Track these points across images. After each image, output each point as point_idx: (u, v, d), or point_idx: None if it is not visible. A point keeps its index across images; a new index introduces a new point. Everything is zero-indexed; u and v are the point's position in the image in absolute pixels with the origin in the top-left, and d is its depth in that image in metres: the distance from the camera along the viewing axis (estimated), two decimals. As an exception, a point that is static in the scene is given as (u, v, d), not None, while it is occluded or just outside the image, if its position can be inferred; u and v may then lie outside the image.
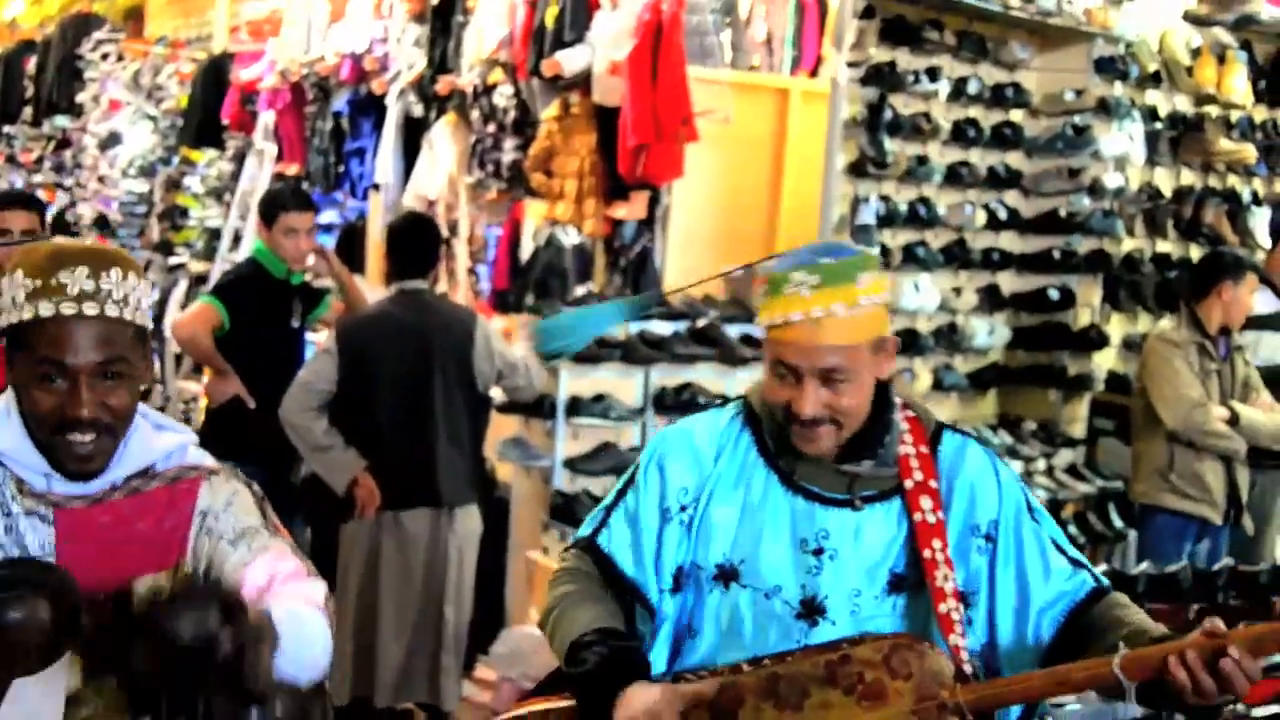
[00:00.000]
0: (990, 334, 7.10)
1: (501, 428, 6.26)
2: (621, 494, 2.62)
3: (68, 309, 2.17)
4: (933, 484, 2.49)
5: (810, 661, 2.38)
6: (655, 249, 7.12)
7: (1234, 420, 5.92)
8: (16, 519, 2.26)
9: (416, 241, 5.66)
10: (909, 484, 2.49)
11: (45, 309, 2.18)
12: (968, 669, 2.40)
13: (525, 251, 9.80)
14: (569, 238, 9.17)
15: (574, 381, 6.12)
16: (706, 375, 6.32)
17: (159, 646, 1.96)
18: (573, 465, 6.11)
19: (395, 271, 5.66)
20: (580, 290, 7.28)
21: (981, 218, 7.05)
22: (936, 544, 2.45)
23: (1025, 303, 7.35)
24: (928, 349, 6.83)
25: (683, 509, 2.55)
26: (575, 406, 6.11)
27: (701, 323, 6.40)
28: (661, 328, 6.39)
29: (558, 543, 5.98)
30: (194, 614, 1.96)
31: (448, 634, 5.65)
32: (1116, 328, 7.62)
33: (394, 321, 5.55)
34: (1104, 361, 7.55)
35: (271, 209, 5.95)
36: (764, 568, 2.49)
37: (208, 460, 2.42)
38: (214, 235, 12.15)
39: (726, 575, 2.52)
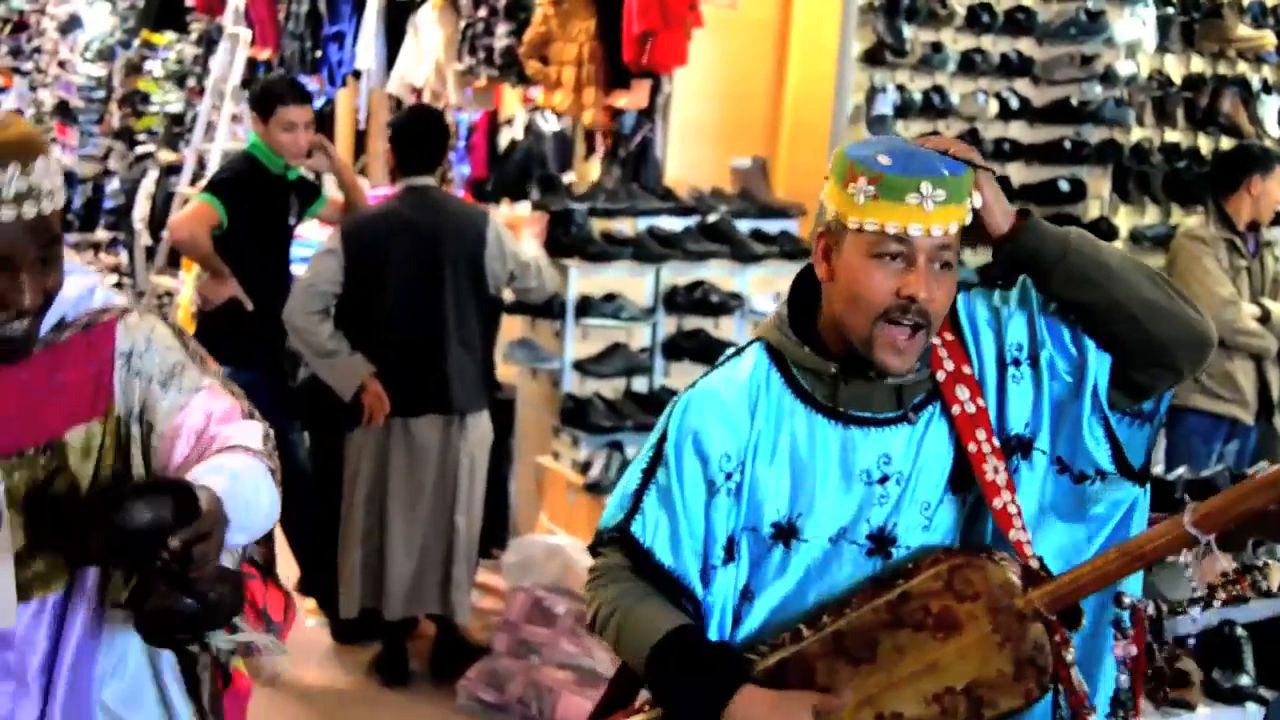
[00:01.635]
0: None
1: (507, 329, 6.04)
2: (649, 474, 2.37)
3: (7, 213, 2.08)
4: (965, 369, 2.31)
5: (870, 608, 2.22)
6: (656, 139, 6.88)
7: (1265, 317, 5.80)
8: None
9: (423, 135, 5.40)
10: (941, 375, 2.31)
11: None
12: (1034, 563, 2.23)
13: (503, 139, 9.59)
14: (549, 124, 8.93)
15: (583, 280, 5.90)
16: (718, 273, 6.11)
17: (109, 535, 1.94)
18: (582, 367, 5.91)
19: (401, 167, 5.42)
20: (566, 178, 7.05)
21: (994, 107, 6.83)
22: (980, 434, 2.28)
23: (1035, 194, 7.15)
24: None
25: (728, 477, 2.32)
26: (585, 306, 5.89)
27: (712, 218, 6.18)
28: (671, 223, 6.17)
29: (569, 448, 5.81)
30: (146, 507, 1.92)
31: (459, 544, 5.49)
32: (1124, 220, 7.45)
33: (402, 220, 5.31)
34: (1113, 254, 7.37)
35: (267, 102, 5.68)
36: (825, 514, 2.30)
37: (117, 299, 2.34)
38: (175, 120, 11.80)
39: (785, 533, 2.32)
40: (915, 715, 2.19)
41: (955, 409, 2.29)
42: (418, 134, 5.40)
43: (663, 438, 2.37)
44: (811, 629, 2.26)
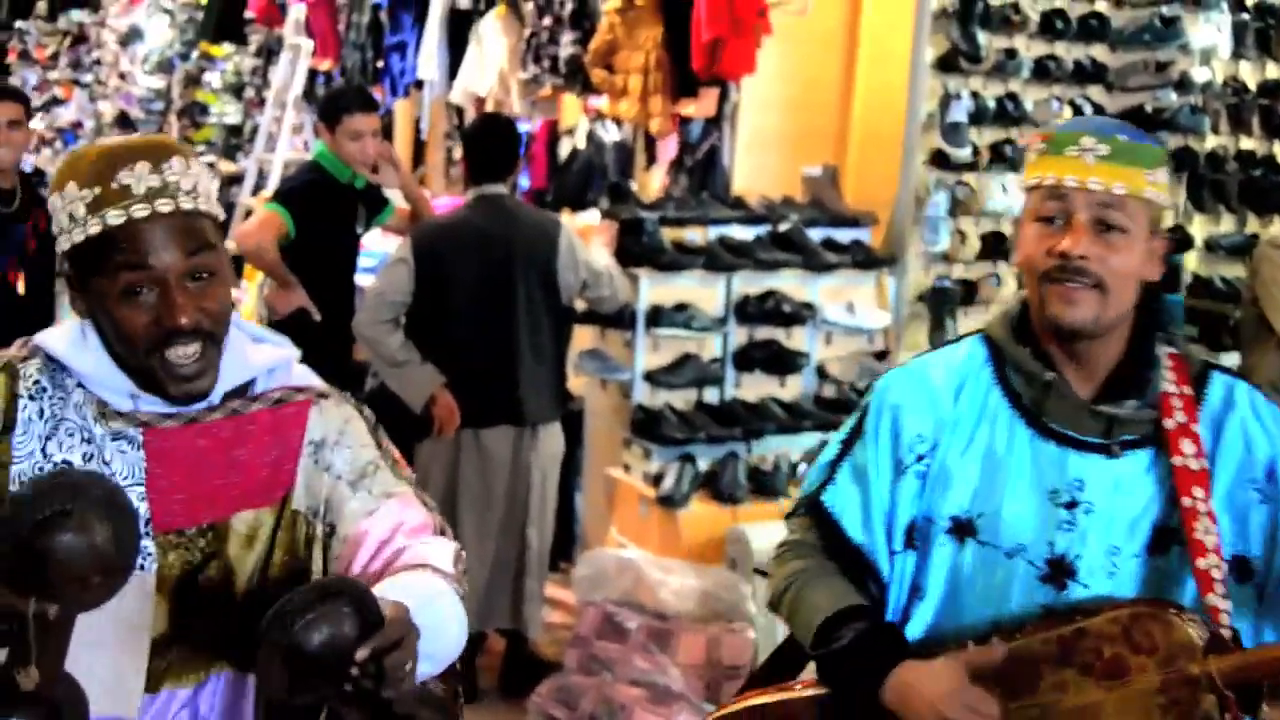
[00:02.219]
0: (1074, 236, 6.79)
1: (576, 340, 5.97)
2: (848, 446, 2.34)
3: (140, 211, 1.89)
4: (1195, 428, 2.19)
5: (1042, 639, 2.12)
6: (724, 148, 6.80)
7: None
8: (102, 444, 1.98)
9: (496, 143, 5.34)
10: (1170, 424, 2.19)
11: (114, 217, 1.90)
12: (1226, 634, 2.10)
13: (563, 149, 9.54)
14: (609, 134, 8.87)
15: (654, 290, 5.82)
16: (789, 282, 6.02)
17: (282, 657, 1.62)
18: (653, 378, 5.83)
19: (474, 176, 5.34)
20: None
21: (1068, 114, 6.71)
22: (1198, 492, 2.16)
23: (1109, 204, 7.03)
24: (1012, 250, 6.53)
25: (919, 459, 2.27)
26: (655, 316, 5.81)
27: (783, 227, 6.08)
28: (742, 233, 6.07)
29: (640, 460, 5.73)
30: (322, 620, 1.62)
31: (531, 557, 5.42)
32: (1199, 229, 7.32)
33: (473, 229, 5.24)
34: (1188, 264, 7.26)
35: (334, 111, 5.63)
36: (1006, 523, 2.22)
37: (315, 380, 2.13)
38: (232, 132, 11.82)
39: (962, 529, 2.25)
40: None
41: (1177, 460, 2.18)
42: (491, 142, 5.34)
43: (864, 411, 2.35)
44: (979, 643, 2.19)
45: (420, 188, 6.54)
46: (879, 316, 6.18)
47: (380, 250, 6.63)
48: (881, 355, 6.18)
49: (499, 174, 5.31)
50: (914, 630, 2.29)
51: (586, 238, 5.70)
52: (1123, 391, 2.22)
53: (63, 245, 1.95)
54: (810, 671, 2.35)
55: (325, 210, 5.65)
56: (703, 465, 5.65)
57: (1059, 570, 2.21)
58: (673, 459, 5.60)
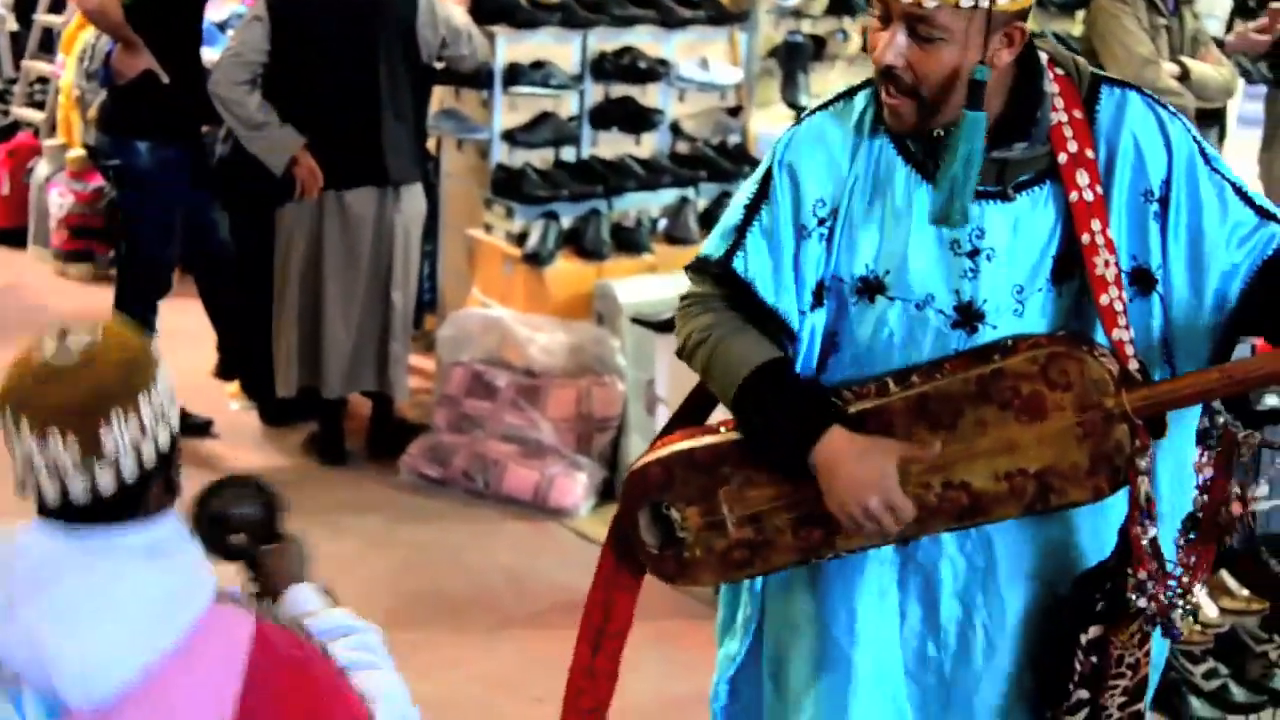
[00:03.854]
0: (916, -8, 6.84)
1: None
2: (754, 210, 2.31)
3: (130, 471, 1.89)
4: (1089, 153, 2.21)
5: (961, 378, 2.19)
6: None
7: (1184, 75, 5.82)
8: None
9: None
10: (1062, 158, 2.21)
11: (105, 481, 1.88)
12: (1133, 365, 2.19)
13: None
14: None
15: (511, 48, 5.74)
16: (644, 38, 5.99)
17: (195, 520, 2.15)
18: (511, 137, 5.79)
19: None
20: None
21: None
22: (1095, 225, 2.20)
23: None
24: (859, 8, 6.56)
25: (820, 222, 2.27)
26: (512, 75, 5.74)
27: (636, -18, 6.04)
28: (595, -12, 6.01)
29: (503, 219, 5.71)
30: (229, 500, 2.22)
31: (396, 319, 5.40)
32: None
33: (330, -16, 5.10)
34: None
35: None
36: (913, 276, 2.25)
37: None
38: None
39: (871, 288, 2.27)
40: (983, 488, 2.19)
41: (1073, 195, 2.21)
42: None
43: (768, 174, 2.32)
44: (899, 385, 2.23)
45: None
46: (732, 73, 6.20)
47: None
48: (734, 111, 6.21)
49: (355, -75, 5.15)
50: (830, 377, 2.33)
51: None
52: (1010, 135, 2.23)
53: None
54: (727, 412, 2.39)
55: (168, -31, 5.43)
56: (566, 223, 5.66)
57: (968, 315, 2.25)
58: (536, 217, 5.60)
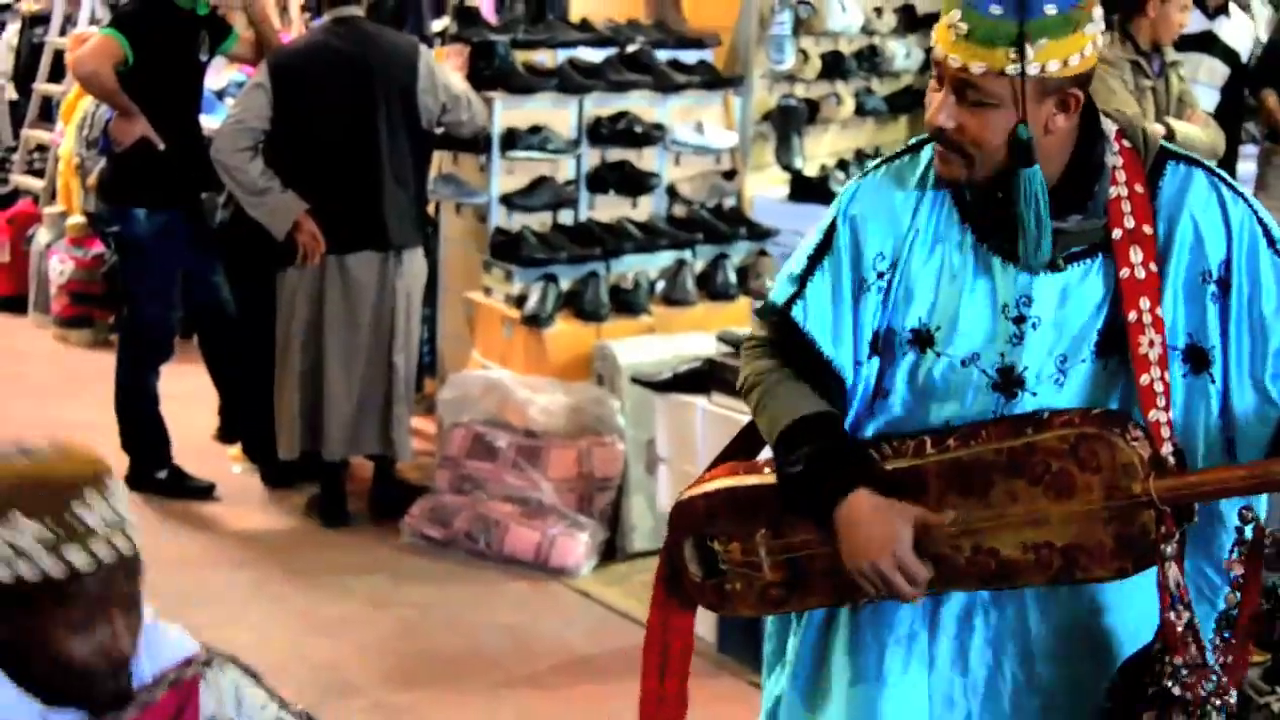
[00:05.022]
0: (907, 56, 6.96)
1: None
2: (816, 260, 2.37)
3: (104, 553, 1.86)
4: (1147, 229, 2.23)
5: (994, 448, 2.21)
6: (561, -27, 6.77)
7: (1170, 136, 5.90)
8: None
9: (348, -38, 5.26)
10: (1117, 234, 2.23)
11: (79, 559, 1.85)
12: (1167, 448, 2.20)
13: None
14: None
15: (508, 113, 5.82)
16: (640, 103, 6.07)
17: None
18: (509, 201, 5.85)
19: (329, -2, 5.27)
20: (435, 25, 6.92)
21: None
22: (1145, 303, 2.20)
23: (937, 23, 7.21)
24: (851, 73, 6.68)
25: (879, 275, 2.33)
26: (510, 139, 5.81)
27: (631, 49, 6.12)
28: (591, 55, 6.09)
29: (502, 282, 5.77)
30: None
31: (398, 382, 5.45)
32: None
33: (331, 52, 5.19)
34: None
35: (170, -68, 5.48)
36: (961, 335, 2.29)
37: (187, 643, 2.11)
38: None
39: (922, 340, 2.32)
40: (1010, 557, 2.22)
41: (1124, 272, 2.22)
42: (343, -39, 5.27)
43: (832, 225, 2.37)
44: (936, 448, 2.26)
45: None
46: (727, 136, 6.28)
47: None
48: (730, 174, 6.28)
49: (353, -7, 5.24)
50: (875, 425, 2.38)
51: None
52: (1068, 206, 2.25)
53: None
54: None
55: (164, 36, 5.52)
56: (564, 285, 5.71)
57: (1009, 380, 2.28)
58: (535, 279, 5.65)
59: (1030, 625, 2.35)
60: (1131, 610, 2.32)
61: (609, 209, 6.07)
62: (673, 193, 6.19)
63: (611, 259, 5.86)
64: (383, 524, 5.54)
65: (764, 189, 6.42)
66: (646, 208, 6.15)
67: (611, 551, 5.26)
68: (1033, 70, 2.13)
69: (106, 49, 5.46)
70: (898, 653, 2.38)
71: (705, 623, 4.54)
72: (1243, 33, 6.49)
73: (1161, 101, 5.97)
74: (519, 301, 5.67)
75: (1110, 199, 2.24)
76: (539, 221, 5.91)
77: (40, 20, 9.34)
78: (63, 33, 8.76)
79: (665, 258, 6.00)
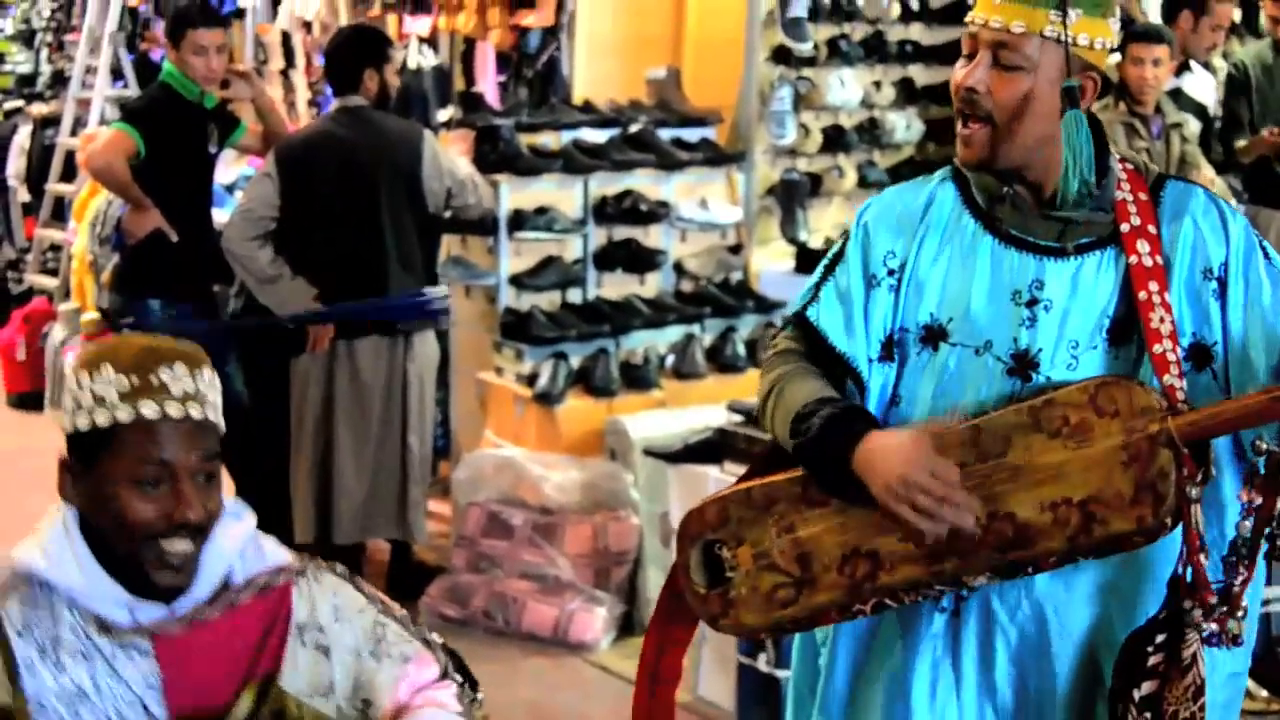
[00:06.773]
0: (907, 128, 7.04)
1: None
2: (830, 268, 2.50)
3: (173, 409, 2.01)
4: (1151, 229, 2.35)
5: (1013, 409, 2.28)
6: (563, 57, 6.87)
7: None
8: (111, 657, 2.05)
9: (351, 55, 5.34)
10: (1125, 227, 2.35)
11: (149, 410, 2.00)
12: (1182, 409, 2.25)
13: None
14: (426, 59, 8.85)
15: (515, 195, 5.90)
16: (644, 182, 6.15)
17: None
18: (518, 281, 5.92)
19: (335, 88, 5.36)
20: (441, 115, 7.02)
21: (896, 9, 6.94)
22: (1153, 286, 2.32)
23: (936, 95, 7.28)
24: (852, 145, 6.76)
25: (890, 273, 2.44)
26: (517, 221, 5.89)
27: (634, 129, 6.21)
28: (594, 136, 6.18)
29: (513, 361, 5.81)
30: None
31: (413, 465, 5.47)
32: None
33: (337, 140, 5.26)
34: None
35: (178, 28, 5.60)
36: (974, 323, 2.39)
37: (284, 553, 2.21)
38: (25, 81, 11.53)
39: (934, 335, 2.41)
40: (1027, 519, 2.24)
41: (1133, 259, 2.33)
42: (346, 53, 5.36)
43: (846, 235, 2.51)
44: (956, 423, 2.32)
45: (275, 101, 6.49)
46: (731, 211, 6.34)
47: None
48: (735, 249, 6.35)
49: (358, 85, 5.32)
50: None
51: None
52: (1077, 200, 2.37)
53: (77, 423, 2.03)
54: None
55: (174, 129, 5.60)
56: (575, 363, 5.76)
57: (1023, 363, 2.36)
58: (545, 358, 5.70)
59: (1050, 635, 2.38)
60: (1140, 594, 2.35)
61: (617, 286, 6.13)
62: (679, 269, 6.25)
63: (621, 335, 5.91)
64: (401, 605, 5.53)
65: (770, 262, 6.48)
66: (654, 284, 6.21)
67: (629, 625, 5.26)
68: (1054, 34, 2.28)
69: (119, 143, 5.54)
70: (922, 682, 2.41)
71: (723, 690, 4.55)
72: (1206, 87, 6.56)
73: (1159, 163, 5.98)
74: (530, 380, 5.71)
75: (1117, 200, 2.36)
76: (548, 301, 5.97)
77: (51, 122, 9.46)
78: (73, 134, 8.88)
79: (674, 332, 6.04)
